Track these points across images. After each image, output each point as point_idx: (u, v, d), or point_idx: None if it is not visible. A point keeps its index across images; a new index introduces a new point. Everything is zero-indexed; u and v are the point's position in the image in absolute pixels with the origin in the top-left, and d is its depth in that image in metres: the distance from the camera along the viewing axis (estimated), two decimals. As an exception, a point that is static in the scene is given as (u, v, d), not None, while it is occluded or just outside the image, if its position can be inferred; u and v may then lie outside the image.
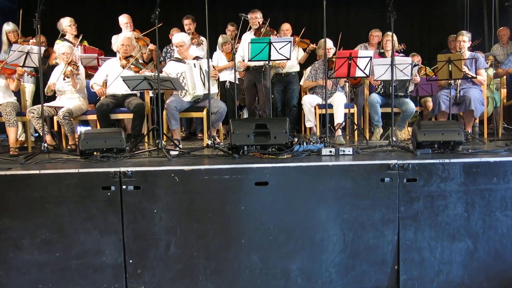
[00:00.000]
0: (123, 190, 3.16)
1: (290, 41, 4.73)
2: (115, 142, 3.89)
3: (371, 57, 4.66)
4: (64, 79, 4.95)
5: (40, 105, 4.77)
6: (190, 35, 6.05)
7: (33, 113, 4.69)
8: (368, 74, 4.76)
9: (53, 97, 5.16)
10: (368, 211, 3.18)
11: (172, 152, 3.89)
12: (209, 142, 3.84)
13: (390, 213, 3.18)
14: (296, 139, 3.77)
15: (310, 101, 5.20)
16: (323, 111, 5.31)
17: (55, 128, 5.07)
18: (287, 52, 4.78)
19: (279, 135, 3.69)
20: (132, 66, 4.80)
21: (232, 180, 3.15)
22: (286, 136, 3.70)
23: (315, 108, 5.24)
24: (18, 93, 5.20)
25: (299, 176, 3.16)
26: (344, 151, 3.62)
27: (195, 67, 4.62)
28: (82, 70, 5.05)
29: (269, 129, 3.70)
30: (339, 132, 4.98)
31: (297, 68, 6.22)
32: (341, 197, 3.17)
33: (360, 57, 4.65)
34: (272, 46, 4.69)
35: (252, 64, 5.56)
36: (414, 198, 3.18)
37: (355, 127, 5.23)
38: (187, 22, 6.22)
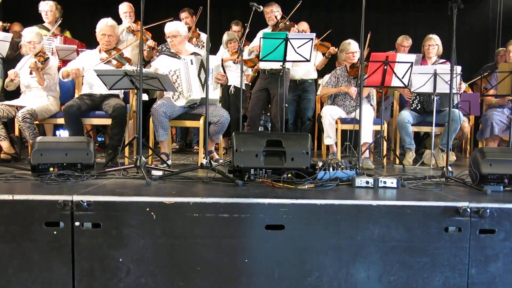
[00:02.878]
0: (76, 228, 2.21)
1: (312, 38, 3.82)
2: (80, 155, 2.96)
3: (412, 63, 3.73)
4: (30, 73, 4.02)
5: (-2, 104, 3.89)
6: (189, 33, 5.15)
7: (-13, 113, 3.76)
8: (407, 84, 3.82)
9: (18, 94, 4.23)
10: (424, 272, 2.22)
11: (155, 172, 2.94)
12: (204, 161, 2.89)
13: (456, 277, 2.23)
14: (320, 163, 2.81)
15: (331, 113, 4.26)
16: (346, 127, 4.38)
17: (16, 132, 4.11)
18: (306, 52, 3.87)
19: (298, 156, 2.75)
20: (114, 61, 3.87)
21: (233, 221, 2.19)
22: (307, 159, 2.75)
23: (336, 122, 4.29)
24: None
25: (328, 219, 2.21)
26: (385, 182, 2.67)
27: (192, 64, 3.68)
28: (54, 63, 4.13)
29: (285, 147, 2.76)
30: (366, 153, 4.03)
31: (315, 75, 5.30)
32: (387, 251, 2.21)
33: (399, 62, 3.72)
34: (289, 43, 3.77)
35: (268, 66, 4.62)
36: (490, 257, 2.23)
37: (385, 148, 4.27)
38: (184, 16, 5.31)
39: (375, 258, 2.21)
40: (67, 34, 5.14)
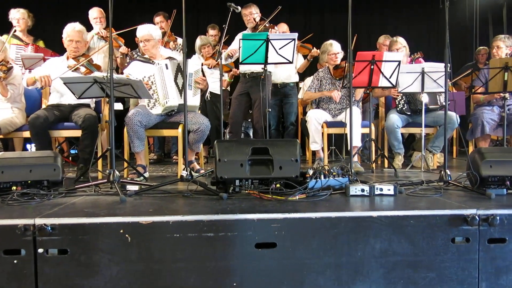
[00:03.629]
0: (39, 255, 1.93)
1: (294, 39, 3.61)
2: (46, 171, 2.67)
3: (399, 62, 3.57)
4: (-7, 84, 3.70)
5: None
6: (165, 37, 4.91)
7: None
8: (395, 83, 3.66)
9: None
10: (431, 288, 2.02)
11: (130, 187, 2.67)
12: (184, 173, 2.64)
13: (465, 291, 2.04)
14: (310, 171, 2.60)
15: (317, 117, 4.06)
16: (331, 131, 4.19)
17: (-21, 148, 3.78)
18: (289, 53, 3.66)
19: (286, 164, 2.53)
20: (83, 69, 3.58)
21: (219, 240, 1.95)
22: (297, 167, 2.53)
23: (322, 127, 4.10)
24: None
25: (324, 234, 1.99)
26: (381, 189, 2.47)
27: (167, 68, 3.43)
28: (18, 72, 3.82)
29: (272, 155, 2.54)
30: (355, 158, 3.84)
31: (296, 78, 5.11)
32: (390, 267, 2.01)
33: (386, 61, 3.55)
34: (270, 44, 3.57)
35: (248, 69, 4.39)
36: (502, 269, 2.05)
37: (373, 152, 4.09)
38: (158, 20, 5.07)
39: (377, 275, 2.00)
40: (40, 43, 4.83)
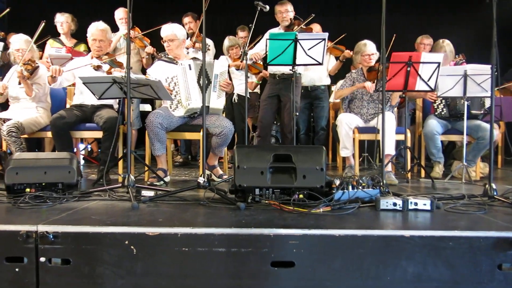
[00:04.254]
0: (41, 264, 1.82)
1: (324, 39, 3.40)
2: (61, 174, 2.60)
3: (439, 63, 3.29)
4: (19, 83, 3.69)
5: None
6: (194, 38, 4.80)
7: (-28, 126, 3.43)
8: (434, 87, 3.38)
9: (6, 106, 3.91)
10: (472, 321, 1.77)
11: (146, 193, 2.54)
12: (202, 179, 2.48)
13: (512, 326, 1.77)
14: (337, 181, 2.38)
15: (348, 122, 3.82)
16: (363, 137, 3.94)
17: (3, 147, 3.77)
18: (318, 55, 3.45)
19: (311, 173, 2.33)
20: (106, 67, 3.51)
21: (231, 257, 1.78)
22: (322, 176, 2.33)
23: (353, 132, 3.85)
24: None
25: (349, 254, 1.77)
26: (416, 204, 2.22)
27: (190, 69, 3.29)
28: (44, 72, 3.78)
29: (296, 163, 2.35)
30: (388, 167, 3.58)
31: (328, 81, 4.87)
32: (425, 294, 1.77)
33: (424, 62, 3.27)
34: (298, 44, 3.37)
35: (278, 70, 4.20)
36: (557, 301, 1.77)
37: (409, 160, 3.81)
38: (187, 21, 4.96)
39: (409, 303, 1.76)
40: (82, 46, 4.82)
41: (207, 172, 3.32)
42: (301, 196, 2.30)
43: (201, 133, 3.32)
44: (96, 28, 3.54)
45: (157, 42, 4.73)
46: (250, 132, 5.13)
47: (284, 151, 2.40)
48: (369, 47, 4.09)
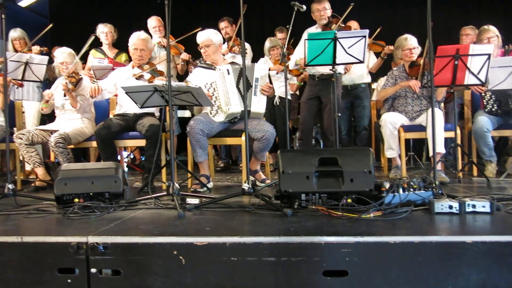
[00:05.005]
0: (93, 275, 1.83)
1: (365, 36, 3.30)
2: (108, 183, 2.64)
3: (489, 55, 3.11)
4: (64, 95, 3.80)
5: (31, 129, 3.68)
6: (230, 42, 4.79)
7: (22, 138, 3.56)
8: (484, 80, 3.20)
9: (53, 118, 4.04)
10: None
11: (190, 201, 2.53)
12: (246, 186, 2.44)
13: None
14: (386, 184, 2.28)
15: (392, 121, 3.69)
16: (409, 136, 3.79)
17: (52, 158, 3.89)
18: (359, 52, 3.36)
19: (358, 176, 2.24)
20: (147, 76, 3.55)
21: (281, 265, 1.72)
22: (370, 179, 2.24)
23: (398, 131, 3.71)
24: (13, 112, 4.12)
25: (406, 262, 1.68)
26: (474, 206, 2.09)
27: (228, 74, 3.27)
28: (87, 83, 3.87)
29: (342, 166, 2.27)
30: (438, 166, 3.42)
31: (368, 79, 4.74)
32: (490, 304, 1.65)
33: (473, 54, 3.10)
34: (338, 43, 3.28)
35: (318, 71, 4.13)
36: None
37: (459, 158, 3.62)
38: (223, 25, 4.96)
39: (473, 314, 1.65)
40: (123, 56, 4.93)
41: (251, 178, 3.28)
42: (349, 200, 2.22)
43: (243, 137, 3.31)
44: (137, 38, 3.60)
45: (191, 49, 4.78)
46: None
47: (330, 154, 2.32)
48: (410, 41, 3.93)
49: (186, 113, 5.59)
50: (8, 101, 3.21)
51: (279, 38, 5.19)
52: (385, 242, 1.69)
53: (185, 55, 4.74)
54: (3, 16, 2.85)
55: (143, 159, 5.59)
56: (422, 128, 3.65)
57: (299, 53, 4.18)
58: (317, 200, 2.26)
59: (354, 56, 3.36)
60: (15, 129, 4.15)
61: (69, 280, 1.85)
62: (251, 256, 1.73)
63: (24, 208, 2.62)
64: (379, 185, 2.29)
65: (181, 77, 5.04)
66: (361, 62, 3.42)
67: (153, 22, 4.89)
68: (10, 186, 2.71)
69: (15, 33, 4.72)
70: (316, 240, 1.72)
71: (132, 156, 5.75)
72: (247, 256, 1.74)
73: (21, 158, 4.01)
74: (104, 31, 4.79)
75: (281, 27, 5.33)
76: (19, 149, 3.61)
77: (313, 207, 2.23)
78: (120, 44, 4.90)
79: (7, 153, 2.93)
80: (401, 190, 2.27)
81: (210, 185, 3.35)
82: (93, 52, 4.84)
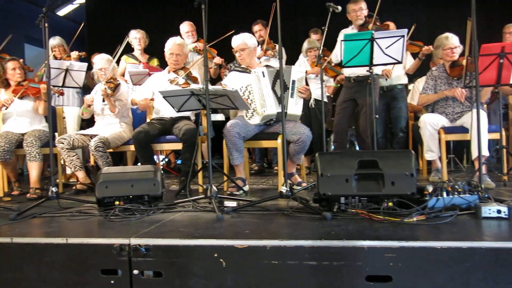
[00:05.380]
0: (135, 277, 1.86)
1: (403, 35, 3.22)
2: (147, 186, 2.68)
3: (536, 52, 2.98)
4: (103, 100, 3.90)
5: (72, 134, 3.80)
6: (264, 45, 4.79)
7: (63, 143, 3.67)
8: (531, 79, 3.06)
9: (92, 123, 4.15)
10: None
11: (228, 203, 2.54)
12: (284, 189, 2.42)
13: None
14: (429, 187, 2.21)
15: (432, 122, 3.58)
16: (451, 137, 3.67)
17: (92, 162, 4.00)
18: (397, 53, 3.28)
19: (400, 179, 2.19)
20: (182, 81, 3.59)
21: (322, 270, 1.70)
22: (412, 182, 2.17)
23: (439, 133, 3.60)
24: (54, 117, 4.27)
25: (454, 268, 1.62)
26: (524, 210, 2.00)
27: (264, 76, 3.26)
28: (124, 89, 3.96)
29: (383, 169, 2.21)
30: (483, 169, 3.28)
31: (405, 80, 4.63)
32: (546, 314, 1.56)
33: (520, 52, 2.98)
34: (375, 44, 3.22)
35: (354, 73, 4.07)
36: None
37: (505, 161, 3.48)
38: (257, 29, 4.96)
39: (527, 323, 1.57)
40: (155, 61, 5.03)
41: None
42: (390, 204, 2.17)
43: (279, 140, 3.29)
44: (173, 43, 3.66)
45: (223, 52, 4.81)
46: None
47: (369, 156, 2.28)
48: (451, 40, 3.81)
49: (218, 117, 5.62)
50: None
51: (313, 39, 5.16)
52: (432, 247, 1.63)
53: (218, 59, 4.77)
54: (46, 25, 2.94)
55: (178, 162, 5.67)
56: (464, 130, 3.53)
57: (336, 55, 4.14)
58: (357, 203, 2.22)
59: (392, 56, 3.28)
60: (56, 134, 4.30)
61: (112, 281, 1.89)
62: (292, 259, 1.72)
63: (67, 210, 2.69)
64: (421, 188, 2.23)
65: (214, 81, 5.08)
66: (400, 62, 3.34)
67: (185, 27, 4.95)
68: (54, 189, 2.79)
69: (54, 40, 4.89)
70: (359, 245, 1.68)
71: (167, 160, 5.84)
72: (288, 260, 1.72)
73: (62, 162, 4.14)
74: (136, 36, 4.87)
75: (316, 28, 5.29)
76: (60, 153, 3.73)
77: (353, 210, 2.19)
78: (151, 49, 4.99)
79: (50, 157, 3.02)
80: (445, 194, 2.19)
81: (246, 188, 3.36)
82: (125, 57, 4.91)
